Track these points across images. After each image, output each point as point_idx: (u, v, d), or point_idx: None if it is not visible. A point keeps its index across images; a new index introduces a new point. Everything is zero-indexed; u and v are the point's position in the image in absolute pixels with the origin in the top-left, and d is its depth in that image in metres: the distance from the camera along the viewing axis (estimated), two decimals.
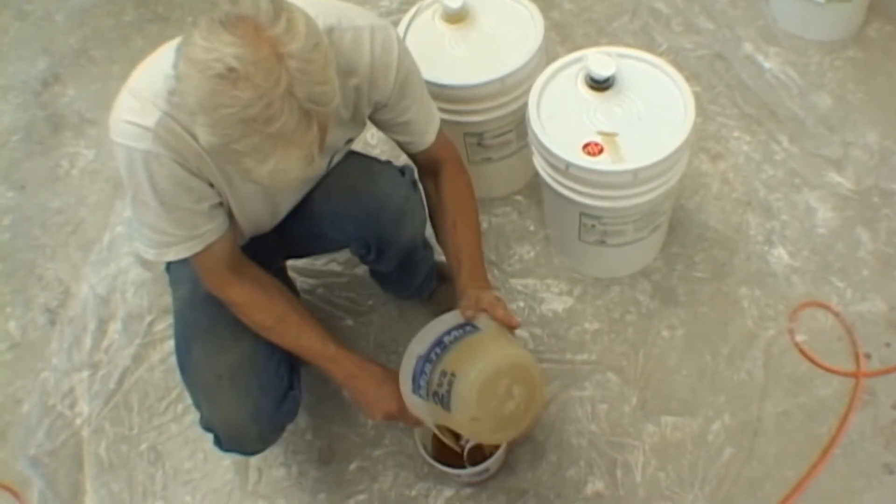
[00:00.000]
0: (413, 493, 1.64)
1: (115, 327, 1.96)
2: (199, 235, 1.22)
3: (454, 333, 1.30)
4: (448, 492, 1.62)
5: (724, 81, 2.20)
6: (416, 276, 1.72)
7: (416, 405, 1.31)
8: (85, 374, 1.89)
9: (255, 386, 1.35)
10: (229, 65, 0.90)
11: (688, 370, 1.72)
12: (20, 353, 1.96)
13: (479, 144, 1.84)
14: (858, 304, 1.76)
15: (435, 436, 1.50)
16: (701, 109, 2.07)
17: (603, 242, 1.73)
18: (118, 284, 2.03)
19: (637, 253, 1.83)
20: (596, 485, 1.60)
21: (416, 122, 1.37)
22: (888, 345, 1.70)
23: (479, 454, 1.53)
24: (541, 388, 1.27)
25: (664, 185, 1.58)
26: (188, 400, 1.77)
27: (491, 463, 1.51)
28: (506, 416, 1.23)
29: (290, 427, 1.46)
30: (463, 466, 1.51)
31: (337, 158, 1.42)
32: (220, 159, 1.04)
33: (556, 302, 1.86)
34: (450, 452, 1.50)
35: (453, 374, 1.23)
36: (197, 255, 1.24)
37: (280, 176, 0.99)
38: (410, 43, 1.32)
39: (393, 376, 1.34)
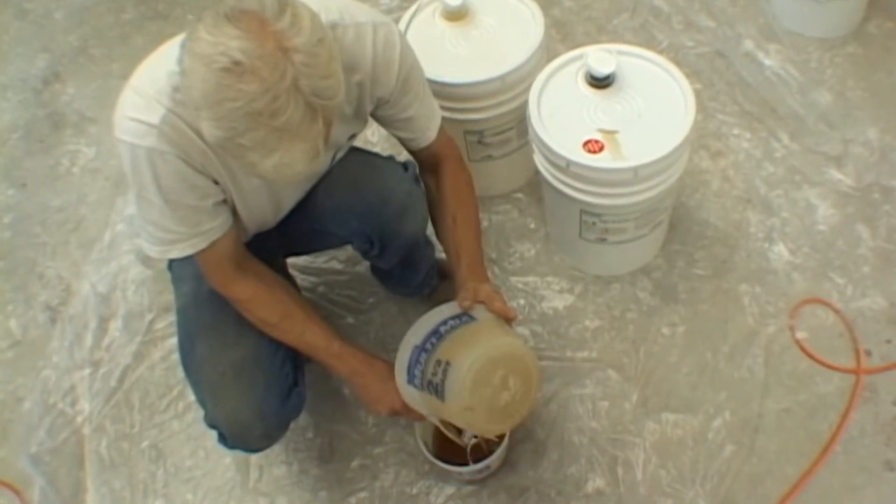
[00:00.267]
0: (414, 490, 1.64)
1: (115, 325, 1.96)
2: (203, 233, 1.22)
3: (450, 323, 1.30)
4: (449, 489, 1.63)
5: (725, 79, 2.20)
6: (418, 273, 1.72)
7: (412, 396, 1.31)
8: (86, 371, 1.89)
9: (260, 382, 1.35)
10: (235, 58, 0.90)
11: (688, 367, 1.72)
12: (21, 351, 1.96)
13: (479, 142, 1.84)
14: (859, 300, 1.76)
15: (436, 433, 1.50)
16: (701, 107, 2.07)
17: (603, 240, 1.73)
18: (119, 282, 2.03)
19: (638, 250, 1.83)
20: (597, 482, 1.60)
21: (418, 118, 1.37)
22: (889, 341, 1.70)
23: (481, 452, 1.53)
24: (537, 381, 1.26)
25: (665, 182, 1.58)
26: (189, 398, 1.79)
27: (492, 460, 1.51)
28: (501, 407, 1.22)
29: (291, 425, 1.46)
30: (464, 464, 1.51)
31: (340, 155, 1.42)
32: (225, 153, 1.04)
33: (556, 300, 1.86)
34: (451, 450, 1.50)
35: (448, 363, 1.22)
36: (201, 252, 1.24)
37: (285, 170, 0.99)
38: (411, 41, 1.32)
39: None
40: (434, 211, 1.49)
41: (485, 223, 1.95)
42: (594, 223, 1.68)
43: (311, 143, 0.99)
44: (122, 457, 1.76)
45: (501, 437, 1.53)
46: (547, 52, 1.78)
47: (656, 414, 1.67)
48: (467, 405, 1.20)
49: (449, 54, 1.74)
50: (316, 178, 1.43)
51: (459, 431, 1.45)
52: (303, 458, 1.71)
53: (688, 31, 2.33)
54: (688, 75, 1.64)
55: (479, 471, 1.54)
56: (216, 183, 1.21)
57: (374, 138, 2.17)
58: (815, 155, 2.01)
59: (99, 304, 2.00)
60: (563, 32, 2.37)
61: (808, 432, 1.61)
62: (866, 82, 2.13)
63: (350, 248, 1.84)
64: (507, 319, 1.33)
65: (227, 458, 1.72)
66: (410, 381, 1.29)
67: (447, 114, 1.45)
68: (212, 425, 1.37)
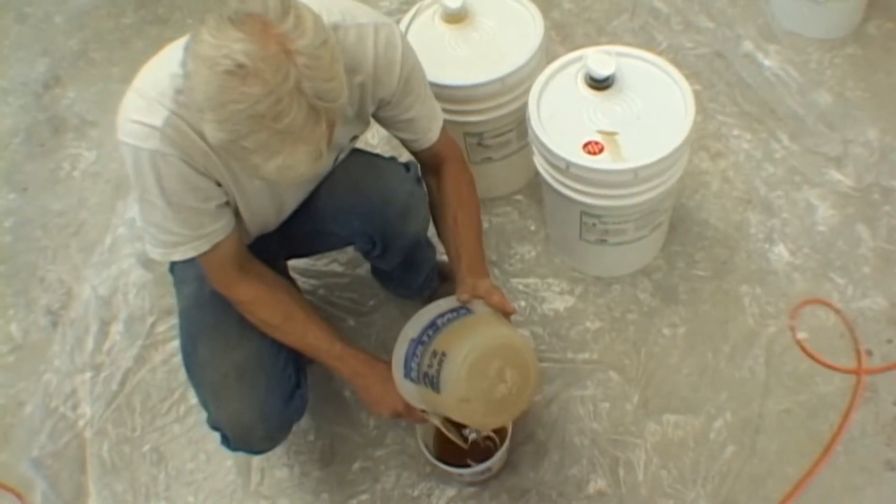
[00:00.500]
0: (416, 492, 1.64)
1: (116, 329, 1.96)
2: (205, 235, 1.22)
3: (448, 316, 1.30)
4: (451, 491, 1.63)
5: (724, 80, 2.20)
6: (419, 275, 1.72)
7: (408, 391, 1.30)
8: (87, 375, 1.89)
9: (263, 384, 1.35)
10: (238, 61, 0.91)
11: (689, 368, 1.72)
12: (22, 355, 1.96)
13: (479, 144, 1.84)
14: (859, 300, 1.77)
15: (437, 435, 1.50)
16: (701, 108, 2.07)
17: (604, 241, 1.74)
18: (120, 286, 2.03)
19: (638, 252, 1.83)
20: (598, 483, 1.60)
21: (419, 119, 1.37)
22: (889, 341, 1.71)
23: (482, 453, 1.53)
24: (535, 374, 1.25)
25: (664, 183, 1.59)
26: (191, 401, 1.79)
27: (493, 462, 1.51)
28: (497, 400, 1.21)
29: (293, 427, 1.46)
30: (465, 466, 1.51)
31: (342, 157, 1.43)
32: (228, 156, 1.04)
33: (557, 301, 1.86)
34: (452, 452, 1.50)
35: (444, 354, 1.21)
36: (203, 254, 1.24)
37: (288, 172, 0.99)
38: (411, 43, 1.33)
39: None
40: (435, 211, 1.49)
41: (485, 225, 1.95)
42: (594, 224, 1.69)
43: (314, 146, 0.99)
44: (124, 460, 1.76)
45: (503, 437, 1.53)
46: (546, 54, 1.78)
47: (657, 415, 1.67)
48: (463, 396, 1.19)
49: (449, 56, 1.74)
50: (318, 179, 1.43)
51: (460, 432, 1.45)
52: (304, 460, 1.71)
53: (687, 33, 2.33)
54: (687, 76, 1.64)
55: (481, 472, 1.54)
56: (219, 185, 1.21)
57: (374, 140, 2.17)
58: (815, 156, 2.01)
59: (100, 308, 2.00)
60: (562, 34, 2.37)
61: (808, 433, 1.61)
62: (866, 83, 2.14)
63: (351, 251, 1.84)
64: (506, 314, 1.33)
65: (229, 461, 1.72)
66: (407, 374, 1.29)
67: (447, 116, 1.45)
68: (215, 427, 1.37)
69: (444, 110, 1.45)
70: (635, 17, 2.39)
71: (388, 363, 1.37)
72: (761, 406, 1.65)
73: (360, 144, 1.48)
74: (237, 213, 1.30)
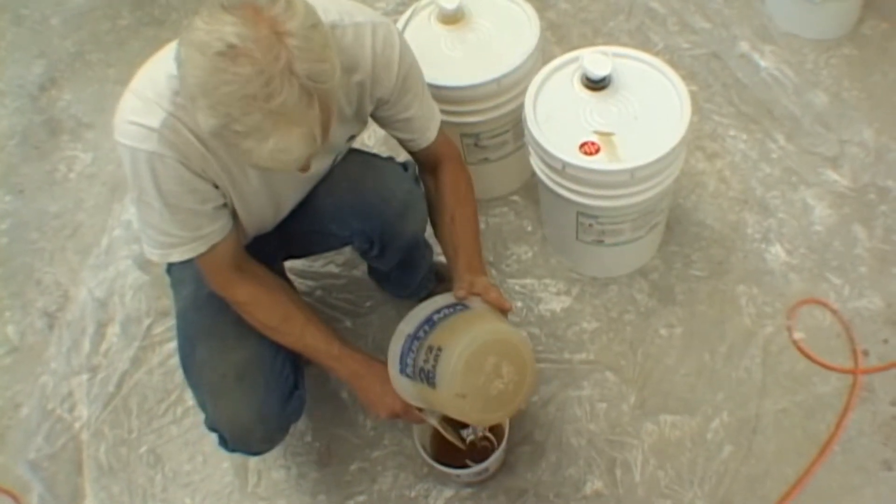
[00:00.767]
0: (413, 493, 1.64)
1: (113, 330, 1.96)
2: (203, 236, 1.22)
3: (444, 312, 1.29)
4: (448, 492, 1.63)
5: (720, 80, 2.21)
6: (416, 275, 1.72)
7: (404, 387, 1.30)
8: (84, 377, 1.89)
9: (261, 385, 1.35)
10: (229, 42, 0.92)
11: (686, 368, 1.72)
12: (19, 357, 1.96)
13: (475, 145, 1.84)
14: (856, 300, 1.77)
15: (434, 436, 1.50)
16: (697, 108, 2.08)
17: (600, 242, 1.74)
18: (116, 288, 2.03)
19: (634, 252, 1.83)
20: (595, 484, 1.60)
21: (417, 118, 1.38)
22: (886, 341, 1.71)
23: (479, 454, 1.53)
24: (531, 371, 1.24)
25: (661, 184, 1.59)
26: (187, 402, 1.79)
27: (490, 463, 1.51)
28: (494, 396, 1.20)
29: (290, 428, 1.46)
30: (463, 466, 1.51)
31: (340, 157, 1.43)
32: (222, 143, 1.04)
33: (554, 302, 1.86)
34: (450, 452, 1.50)
35: (439, 349, 1.21)
36: (201, 255, 1.24)
37: (282, 156, 0.99)
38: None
39: None
40: (433, 210, 1.49)
41: (482, 226, 1.95)
42: (591, 225, 1.69)
43: (307, 128, 0.99)
44: (121, 462, 1.76)
45: (500, 438, 1.53)
46: (543, 55, 1.78)
47: (654, 415, 1.67)
48: (459, 392, 1.18)
49: (445, 57, 1.74)
50: (316, 179, 1.43)
51: (458, 432, 1.45)
52: (301, 461, 1.71)
53: (683, 33, 2.33)
54: (683, 77, 1.64)
55: (478, 473, 1.54)
56: (216, 187, 1.21)
57: (370, 141, 2.18)
58: (812, 156, 2.01)
59: (97, 310, 2.00)
60: (558, 35, 2.38)
61: (805, 432, 1.61)
62: (862, 83, 2.14)
63: (348, 252, 1.84)
64: (503, 310, 1.33)
65: (226, 463, 1.72)
66: (403, 370, 1.28)
67: (444, 117, 1.46)
68: (212, 428, 1.37)
69: (441, 111, 1.45)
70: (631, 18, 2.40)
71: (386, 364, 1.36)
72: (758, 406, 1.65)
73: (355, 146, 1.48)
74: (234, 214, 1.30)
